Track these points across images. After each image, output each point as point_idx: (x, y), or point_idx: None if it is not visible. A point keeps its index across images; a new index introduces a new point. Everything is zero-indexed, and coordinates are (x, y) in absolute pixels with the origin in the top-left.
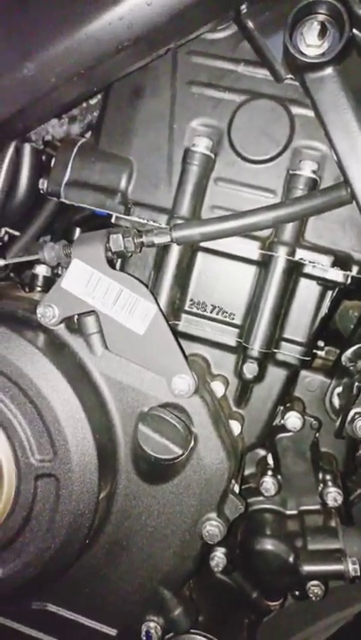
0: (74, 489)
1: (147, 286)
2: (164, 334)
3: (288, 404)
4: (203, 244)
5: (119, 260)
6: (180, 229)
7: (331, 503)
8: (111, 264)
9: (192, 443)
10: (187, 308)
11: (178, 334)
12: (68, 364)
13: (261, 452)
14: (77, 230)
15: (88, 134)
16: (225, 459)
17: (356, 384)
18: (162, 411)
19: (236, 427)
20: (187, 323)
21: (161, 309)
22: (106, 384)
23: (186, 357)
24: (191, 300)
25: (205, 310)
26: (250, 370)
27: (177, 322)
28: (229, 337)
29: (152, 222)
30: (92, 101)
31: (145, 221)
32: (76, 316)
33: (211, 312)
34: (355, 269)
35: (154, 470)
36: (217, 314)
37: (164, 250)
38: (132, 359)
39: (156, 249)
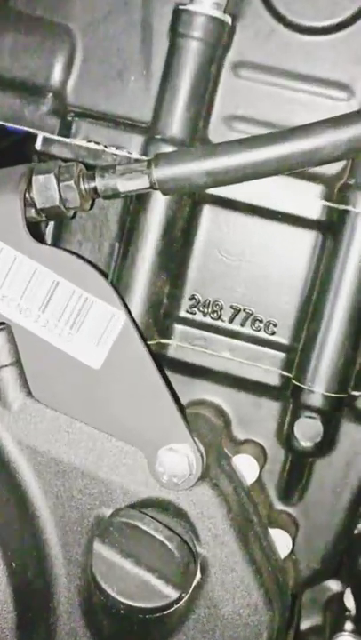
0: None
1: (106, 276)
2: (142, 367)
3: None
4: (212, 192)
5: (51, 225)
6: (169, 164)
7: None
8: (36, 232)
9: (197, 576)
10: (184, 313)
11: (168, 364)
12: None
13: (333, 587)
14: None
15: None
16: (262, 605)
17: None
18: (138, 517)
19: (282, 541)
20: (184, 342)
21: (134, 320)
22: (29, 465)
23: (183, 411)
24: (193, 298)
25: (220, 317)
26: (308, 431)
27: (165, 341)
28: (267, 369)
29: (115, 150)
30: None
31: (100, 149)
32: None
33: (230, 320)
34: None
35: (124, 629)
36: (242, 324)
37: (137, 204)
38: (79, 417)
39: (124, 203)
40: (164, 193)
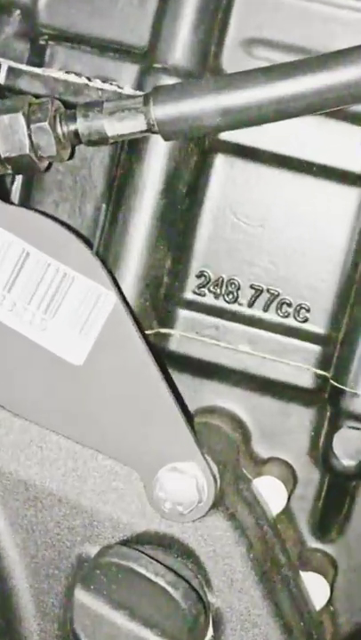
0: None
1: (91, 245)
2: (136, 363)
3: None
4: (227, 137)
5: (19, 181)
6: (171, 100)
7: None
8: (2, 188)
9: (209, 634)
10: (190, 295)
11: (170, 360)
12: None
13: None
14: None
15: None
16: None
17: None
18: (132, 556)
19: (318, 588)
20: (190, 332)
21: (127, 302)
22: None
23: (190, 420)
24: (202, 275)
25: (236, 299)
26: (351, 446)
27: (166, 330)
28: (297, 367)
29: (101, 84)
30: None
31: (82, 82)
32: None
33: (250, 304)
34: None
35: None
36: (266, 308)
37: (130, 153)
38: (56, 428)
39: (113, 152)
40: (166, 137)
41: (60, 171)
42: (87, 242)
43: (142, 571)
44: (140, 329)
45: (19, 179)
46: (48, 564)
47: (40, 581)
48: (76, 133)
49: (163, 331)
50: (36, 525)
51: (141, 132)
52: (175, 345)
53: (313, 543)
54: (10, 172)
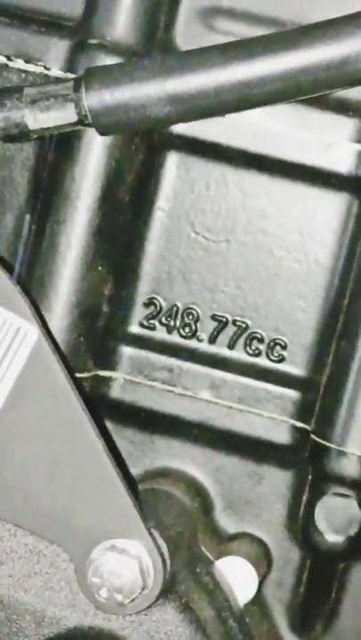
0: None
1: (9, 266)
2: (65, 414)
3: None
4: (182, 131)
5: None
6: (109, 85)
7: None
8: None
9: None
10: (136, 328)
11: (111, 411)
12: None
13: None
14: None
15: None
16: None
17: None
18: None
19: None
20: (137, 375)
21: (53, 339)
22: None
23: (134, 486)
24: (151, 303)
25: (195, 333)
26: (337, 518)
27: (106, 373)
28: (271, 418)
29: (22, 64)
30: None
31: (1, 61)
32: None
33: (212, 339)
34: None
35: None
36: (231, 345)
37: (59, 152)
38: None
39: (39, 150)
40: (102, 132)
41: None
42: (5, 262)
43: None
44: (70, 372)
45: None
46: None
47: None
48: None
49: (102, 373)
50: None
51: (71, 124)
52: (118, 391)
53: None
54: None
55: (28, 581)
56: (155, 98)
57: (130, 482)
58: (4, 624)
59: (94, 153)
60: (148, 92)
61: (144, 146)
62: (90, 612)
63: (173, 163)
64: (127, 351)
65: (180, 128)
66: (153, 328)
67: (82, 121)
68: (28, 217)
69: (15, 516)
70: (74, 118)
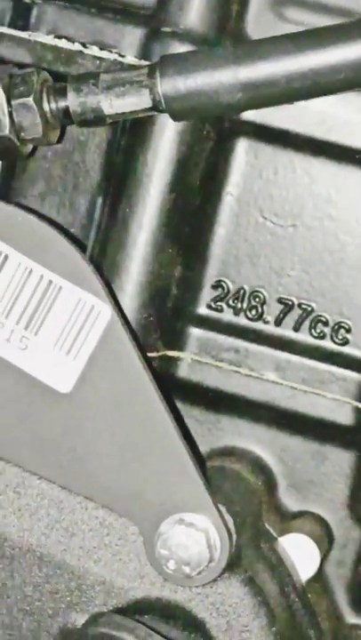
0: None
1: (84, 248)
2: (136, 392)
3: None
4: (252, 118)
5: None
6: (183, 72)
7: None
8: None
9: None
10: (204, 310)
11: (178, 390)
12: None
13: None
14: None
15: None
16: None
17: None
18: (128, 627)
19: None
20: (204, 356)
21: (126, 318)
22: None
23: (202, 464)
24: (219, 285)
25: (261, 316)
26: None
27: (174, 353)
28: (335, 400)
29: (97, 52)
30: None
31: (76, 49)
32: None
33: (278, 322)
34: None
35: None
36: (297, 327)
37: (133, 137)
38: (37, 470)
39: (112, 135)
40: (175, 117)
41: (48, 157)
42: (79, 243)
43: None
44: (142, 350)
45: None
46: (25, 636)
47: None
48: (66, 111)
49: (170, 353)
50: (12, 589)
51: (146, 110)
52: (185, 371)
53: (352, 618)
54: None
55: (98, 553)
56: (227, 85)
57: (198, 458)
58: (75, 593)
59: (166, 138)
60: (220, 79)
61: (214, 132)
62: (157, 584)
63: (243, 149)
64: (195, 332)
65: (249, 115)
66: (220, 310)
67: (156, 107)
68: (100, 200)
69: (87, 489)
70: (148, 104)
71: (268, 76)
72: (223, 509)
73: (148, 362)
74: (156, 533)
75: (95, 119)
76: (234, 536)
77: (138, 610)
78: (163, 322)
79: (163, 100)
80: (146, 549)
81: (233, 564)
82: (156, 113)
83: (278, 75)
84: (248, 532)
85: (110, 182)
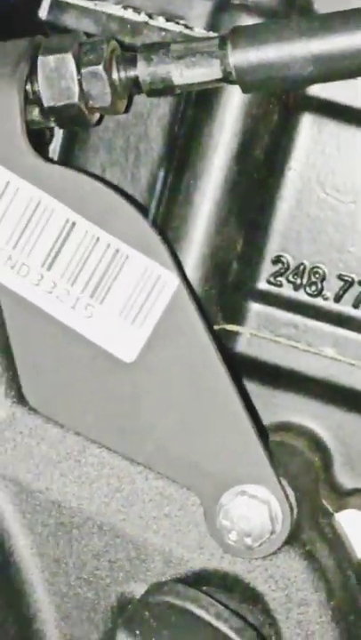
0: None
1: (146, 211)
2: (201, 362)
3: None
4: (318, 92)
5: (57, 138)
6: (254, 43)
7: None
8: (39, 145)
9: None
10: (264, 284)
11: (237, 364)
12: None
13: None
14: None
15: None
16: None
17: None
18: (190, 595)
19: None
20: (263, 330)
21: (191, 287)
22: (15, 513)
23: (265, 436)
24: (279, 260)
25: (321, 292)
26: None
27: (233, 327)
28: None
29: (164, 23)
30: None
31: (142, 19)
32: None
33: (338, 298)
34: None
35: None
36: (357, 304)
37: (198, 108)
38: (98, 438)
39: (175, 107)
40: (245, 89)
41: (110, 128)
42: (144, 211)
43: (202, 613)
44: (208, 321)
45: (57, 137)
46: (83, 604)
47: (71, 626)
48: (135, 81)
49: (229, 328)
50: (70, 557)
51: (215, 81)
52: (244, 345)
53: None
54: (52, 124)
55: (158, 523)
56: (299, 57)
57: (261, 430)
58: (134, 563)
59: (232, 110)
60: (292, 51)
61: (279, 106)
62: (217, 555)
63: (307, 124)
64: (254, 307)
65: (314, 89)
66: (280, 285)
67: (226, 78)
68: (161, 173)
69: (148, 458)
70: (219, 75)
71: (340, 49)
72: (284, 482)
73: (213, 332)
74: (217, 504)
75: (164, 89)
76: (295, 509)
77: (196, 581)
78: (223, 295)
79: (234, 72)
80: (206, 520)
81: (293, 538)
82: (225, 84)
83: (350, 48)
84: (307, 507)
85: (173, 155)
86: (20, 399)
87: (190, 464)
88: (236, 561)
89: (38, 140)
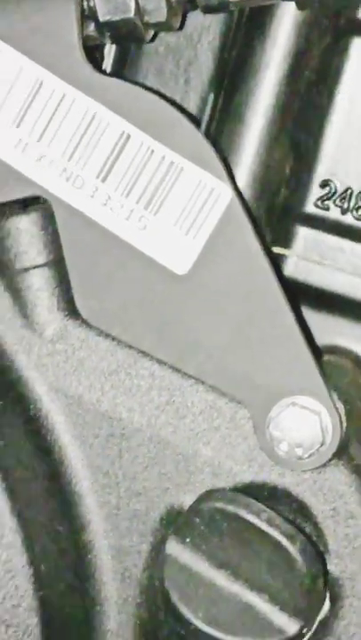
0: None
1: (198, 123)
2: (255, 276)
3: None
4: None
5: (112, 47)
6: None
7: None
8: (91, 56)
9: (325, 606)
10: (312, 208)
11: (292, 285)
12: None
13: None
14: None
15: None
16: None
17: None
18: (242, 502)
19: None
20: (310, 254)
21: (244, 200)
22: (67, 424)
23: (318, 353)
24: (327, 184)
25: None
26: None
27: (280, 250)
28: None
29: None
30: None
31: None
32: None
33: None
34: None
35: None
36: None
37: (250, 27)
38: (150, 350)
39: (226, 28)
40: (301, 6)
41: (160, 52)
42: (198, 124)
43: (253, 519)
44: (261, 236)
45: (108, 59)
46: (132, 516)
47: (121, 536)
48: None
49: (277, 250)
50: (120, 469)
51: None
52: (291, 269)
53: None
54: (108, 40)
55: (207, 435)
56: None
57: (313, 346)
58: (183, 475)
59: (285, 28)
60: None
61: (331, 28)
62: (265, 468)
63: (357, 47)
64: (301, 230)
65: None
66: (327, 209)
67: None
68: (211, 96)
69: (199, 370)
70: None
71: None
72: (335, 397)
73: (266, 247)
74: (267, 417)
75: (219, 5)
76: (344, 423)
77: (246, 493)
78: (271, 217)
79: None
80: (256, 433)
81: (341, 451)
82: (280, 1)
83: None
84: (354, 423)
85: (222, 79)
86: (73, 312)
87: (241, 376)
88: (285, 474)
89: (93, 56)
